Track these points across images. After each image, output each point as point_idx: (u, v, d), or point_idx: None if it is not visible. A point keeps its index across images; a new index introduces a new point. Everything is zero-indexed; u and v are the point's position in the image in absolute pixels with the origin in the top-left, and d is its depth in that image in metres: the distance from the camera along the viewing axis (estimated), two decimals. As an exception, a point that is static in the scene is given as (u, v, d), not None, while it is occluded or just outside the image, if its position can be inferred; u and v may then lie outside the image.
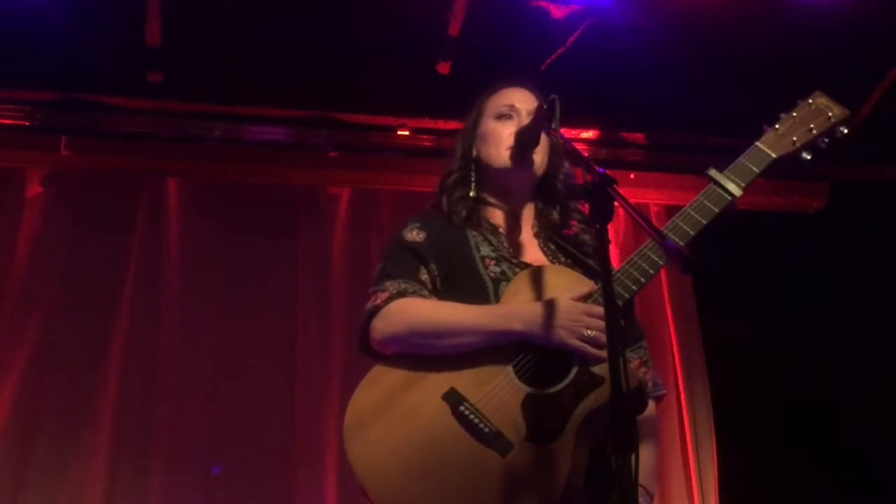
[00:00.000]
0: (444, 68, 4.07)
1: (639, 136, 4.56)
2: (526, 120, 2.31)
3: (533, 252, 2.30)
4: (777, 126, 2.22)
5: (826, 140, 2.23)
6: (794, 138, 2.21)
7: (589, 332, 1.99)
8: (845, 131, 2.24)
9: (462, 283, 2.21)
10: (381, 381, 2.09)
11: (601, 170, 1.86)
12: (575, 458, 1.94)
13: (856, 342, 4.37)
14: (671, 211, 4.57)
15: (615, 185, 1.83)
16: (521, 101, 2.37)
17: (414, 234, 2.29)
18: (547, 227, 2.36)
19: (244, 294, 4.21)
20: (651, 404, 2.26)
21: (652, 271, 2.05)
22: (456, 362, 2.06)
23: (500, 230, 2.33)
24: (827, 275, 4.40)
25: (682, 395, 4.27)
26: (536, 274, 2.15)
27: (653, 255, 2.06)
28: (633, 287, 2.03)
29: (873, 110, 4.30)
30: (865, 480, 4.27)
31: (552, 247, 2.33)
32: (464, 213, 2.32)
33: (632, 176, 4.47)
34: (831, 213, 4.56)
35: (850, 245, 4.43)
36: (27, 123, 4.14)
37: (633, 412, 2.00)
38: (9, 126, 4.12)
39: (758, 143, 2.20)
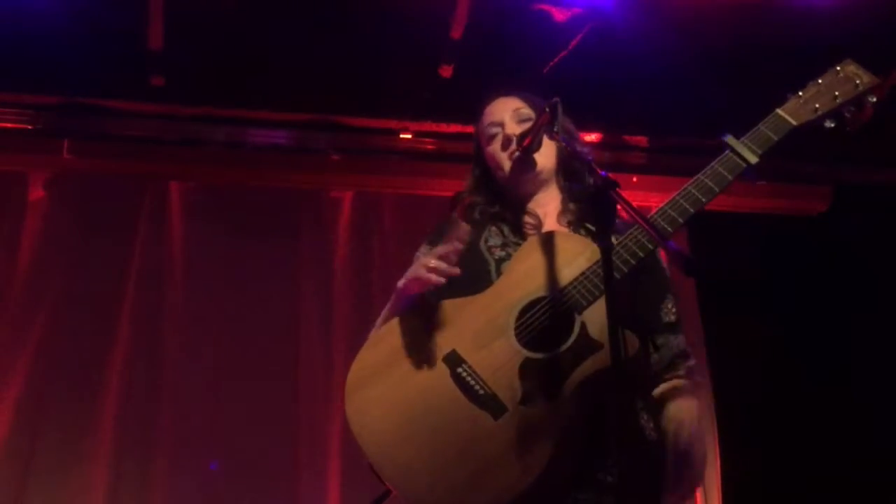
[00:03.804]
0: (446, 72, 4.07)
1: (641, 139, 4.56)
2: (510, 122, 2.35)
3: None
4: (801, 93, 2.12)
5: (852, 108, 2.13)
6: (817, 105, 2.10)
7: (424, 268, 2.05)
8: (874, 100, 2.14)
9: (468, 268, 2.23)
10: (387, 340, 2.13)
11: (603, 173, 1.87)
12: (567, 426, 1.94)
13: (859, 345, 4.37)
14: (674, 214, 4.56)
15: (618, 189, 1.84)
16: (500, 112, 2.40)
17: (419, 255, 2.38)
18: (578, 216, 2.35)
19: (246, 297, 4.21)
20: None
21: (641, 254, 2.02)
22: (461, 324, 2.09)
23: (520, 225, 2.34)
24: (830, 277, 4.39)
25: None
26: (545, 239, 2.16)
27: (643, 240, 2.04)
28: (624, 268, 2.01)
29: (876, 113, 4.28)
30: (868, 482, 4.26)
31: (582, 232, 2.31)
32: (477, 216, 2.38)
33: (634, 179, 4.47)
34: (835, 215, 4.56)
35: (853, 248, 4.42)
36: (30, 127, 4.14)
37: (634, 380, 2.04)
38: (11, 130, 4.13)
39: (778, 110, 2.11)
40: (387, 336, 2.14)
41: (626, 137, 4.54)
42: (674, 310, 2.29)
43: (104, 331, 4.08)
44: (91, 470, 3.88)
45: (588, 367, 1.96)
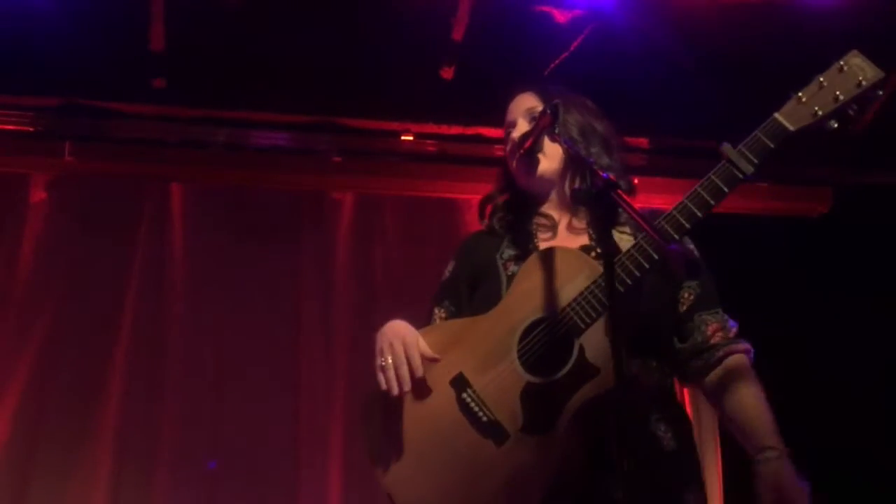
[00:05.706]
0: (447, 73, 4.07)
1: (642, 141, 4.55)
2: (522, 123, 2.34)
3: (568, 244, 2.26)
4: (800, 93, 2.01)
5: (855, 107, 2.01)
6: (817, 107, 1.99)
7: (382, 360, 2.03)
8: (880, 93, 2.00)
9: (484, 284, 2.25)
10: None
11: (605, 174, 1.86)
12: (566, 451, 1.94)
13: (860, 346, 4.36)
14: (675, 215, 4.56)
15: (619, 190, 1.83)
16: (515, 112, 2.39)
17: (446, 272, 2.38)
18: (590, 219, 2.31)
19: (248, 299, 4.21)
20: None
21: (647, 265, 1.99)
22: (469, 345, 2.08)
23: (535, 232, 2.32)
24: (831, 279, 4.38)
25: (687, 401, 4.26)
26: (546, 256, 2.12)
27: (649, 249, 2.01)
28: (628, 280, 1.99)
29: (877, 114, 4.29)
30: (869, 483, 4.25)
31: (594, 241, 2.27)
32: (496, 226, 2.37)
33: (635, 181, 4.45)
34: (835, 217, 4.55)
35: (854, 250, 4.41)
36: (31, 129, 4.14)
37: (632, 403, 2.02)
38: (13, 132, 4.13)
39: (776, 115, 2.01)
40: None
41: (627, 139, 4.53)
42: (691, 296, 2.25)
43: (105, 333, 4.07)
44: (93, 469, 3.88)
45: (586, 392, 1.94)
